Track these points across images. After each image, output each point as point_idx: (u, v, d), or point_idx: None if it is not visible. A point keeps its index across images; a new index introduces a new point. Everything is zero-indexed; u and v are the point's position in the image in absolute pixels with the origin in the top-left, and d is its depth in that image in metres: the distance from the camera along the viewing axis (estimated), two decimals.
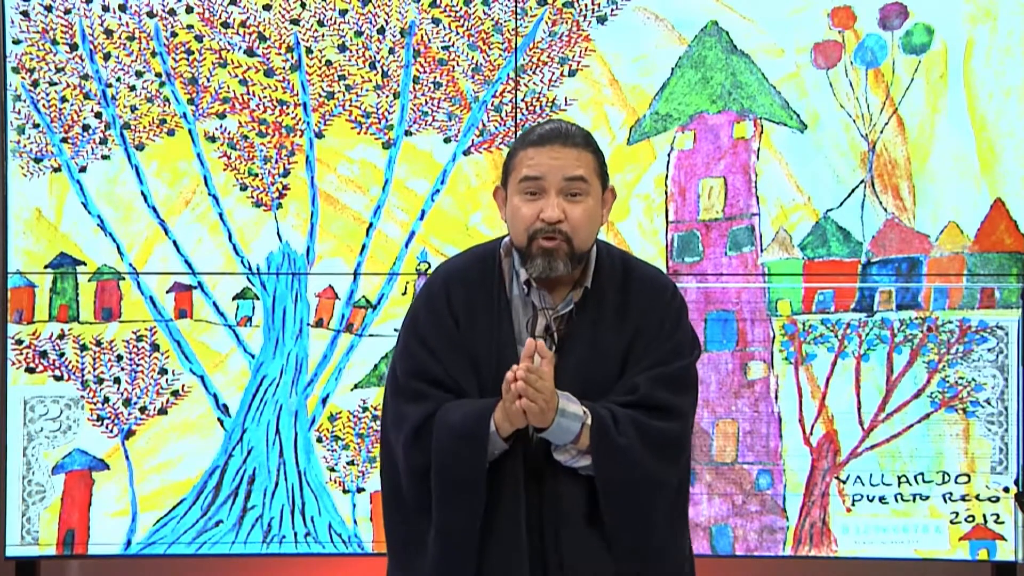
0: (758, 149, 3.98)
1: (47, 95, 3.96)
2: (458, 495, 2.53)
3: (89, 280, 3.98)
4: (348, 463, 4.00)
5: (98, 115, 3.97)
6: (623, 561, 2.55)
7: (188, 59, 3.97)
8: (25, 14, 3.95)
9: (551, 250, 2.52)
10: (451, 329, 2.60)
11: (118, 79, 3.97)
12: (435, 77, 3.98)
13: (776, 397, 3.98)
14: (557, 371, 2.56)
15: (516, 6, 3.97)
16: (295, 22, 3.97)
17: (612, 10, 3.97)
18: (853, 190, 3.97)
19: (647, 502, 2.56)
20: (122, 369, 3.98)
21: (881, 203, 3.97)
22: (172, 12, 3.96)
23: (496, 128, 3.97)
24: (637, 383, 2.57)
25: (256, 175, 3.99)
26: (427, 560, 2.58)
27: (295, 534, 4.00)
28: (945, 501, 3.98)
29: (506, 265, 2.64)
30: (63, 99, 3.96)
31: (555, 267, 2.53)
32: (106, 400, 3.98)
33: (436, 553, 2.56)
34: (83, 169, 3.98)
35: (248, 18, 3.97)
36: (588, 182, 2.55)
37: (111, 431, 3.98)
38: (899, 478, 3.98)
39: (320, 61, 3.98)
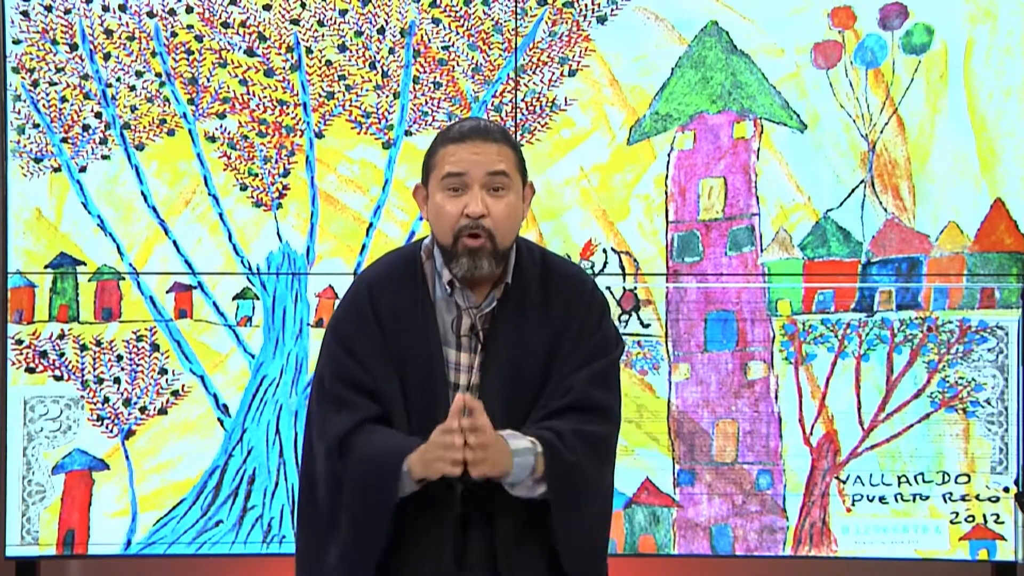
0: (758, 149, 3.97)
1: (47, 95, 3.96)
2: (364, 524, 2.54)
3: (89, 280, 3.98)
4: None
5: (98, 115, 3.97)
6: (573, 567, 2.57)
7: (188, 59, 3.97)
8: (25, 14, 3.95)
9: (476, 249, 2.53)
10: (376, 335, 2.59)
11: (118, 79, 3.97)
12: (435, 77, 3.98)
13: (776, 397, 3.98)
14: (484, 369, 2.58)
15: (516, 6, 3.97)
16: (295, 22, 3.97)
17: (612, 10, 3.97)
18: (853, 190, 3.97)
19: (589, 507, 2.59)
20: (122, 369, 3.98)
21: (881, 203, 3.97)
22: (172, 12, 3.96)
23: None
24: (571, 384, 2.58)
25: (256, 175, 3.99)
26: (327, 564, 2.59)
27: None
28: (945, 501, 3.98)
29: (428, 268, 2.64)
30: (63, 99, 3.96)
31: (480, 265, 2.53)
32: (106, 400, 3.98)
33: (338, 562, 2.57)
34: (83, 169, 3.98)
35: (248, 18, 3.97)
36: (510, 176, 2.56)
37: (111, 431, 3.98)
38: (899, 478, 3.98)
39: (320, 61, 3.98)
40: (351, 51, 3.98)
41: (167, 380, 3.99)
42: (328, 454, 2.59)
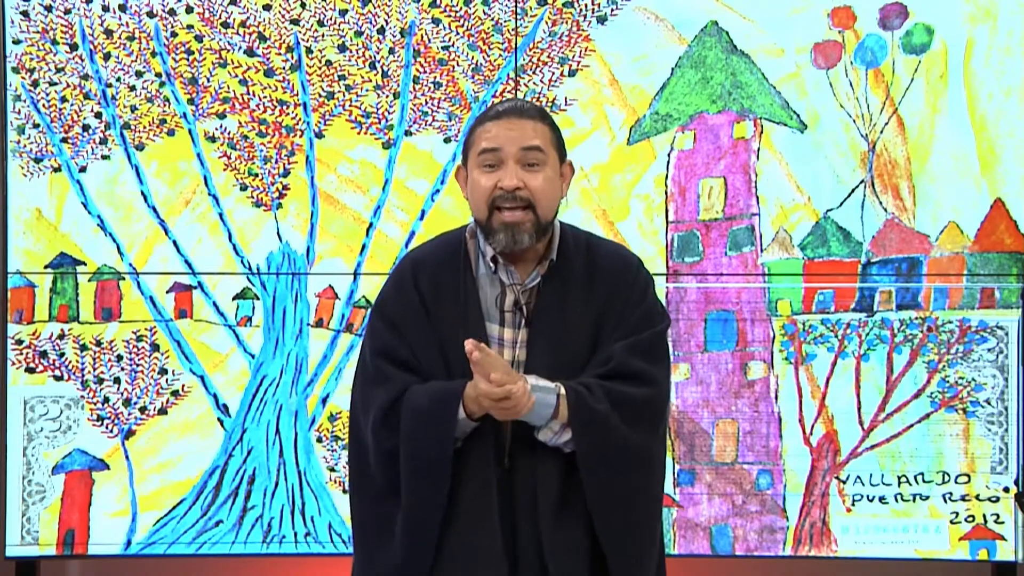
0: (758, 149, 3.98)
1: (47, 95, 3.96)
2: (423, 479, 2.55)
3: (89, 280, 3.98)
4: (348, 463, 3.99)
5: (98, 115, 3.97)
6: (605, 538, 2.54)
7: (188, 59, 3.97)
8: (25, 14, 3.95)
9: (515, 224, 2.54)
10: (418, 311, 2.62)
11: (118, 79, 3.97)
12: (435, 77, 3.98)
13: (776, 397, 3.98)
14: (528, 345, 2.59)
15: (516, 6, 3.97)
16: (295, 22, 3.97)
17: (612, 10, 3.97)
18: (853, 190, 3.97)
19: (626, 472, 2.56)
20: (122, 369, 3.98)
21: (881, 203, 3.97)
22: (172, 12, 3.96)
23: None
24: (611, 353, 2.58)
25: (256, 175, 3.99)
26: (394, 543, 2.59)
27: (295, 534, 4.00)
28: (945, 501, 3.98)
29: (471, 246, 2.66)
30: (63, 99, 3.96)
31: (520, 240, 2.55)
32: (106, 400, 3.98)
33: (402, 536, 2.58)
34: (83, 169, 3.98)
35: (248, 18, 3.97)
36: (544, 152, 2.57)
37: (111, 431, 3.98)
38: (899, 478, 3.98)
39: (320, 61, 3.98)
40: (351, 51, 3.98)
41: (167, 380, 3.99)
42: (374, 427, 2.60)
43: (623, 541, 2.57)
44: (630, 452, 2.56)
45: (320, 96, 3.98)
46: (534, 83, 3.97)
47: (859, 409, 3.99)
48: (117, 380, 3.98)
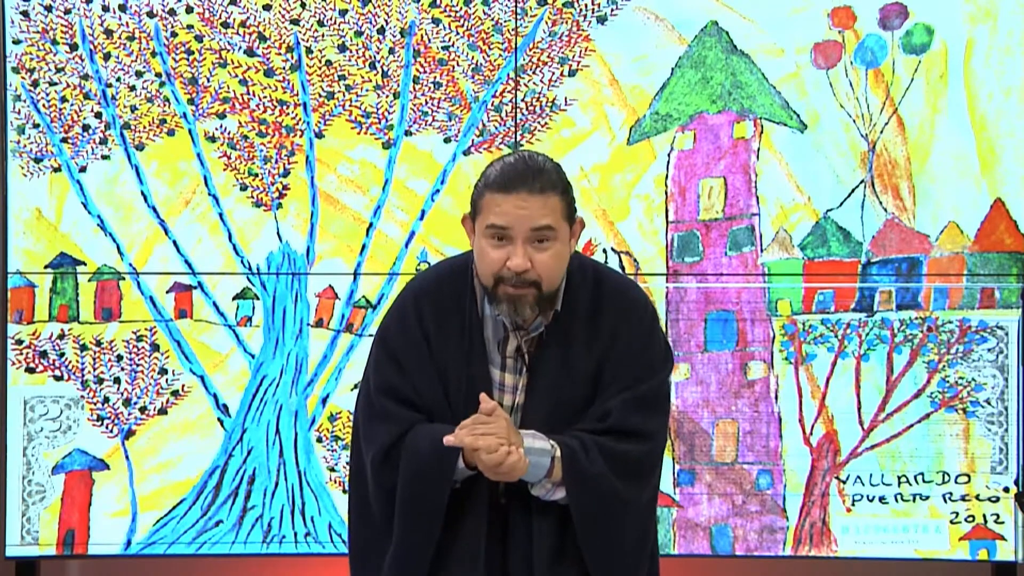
0: (758, 149, 3.97)
1: (47, 95, 3.96)
2: (417, 521, 2.54)
3: (89, 280, 3.98)
4: (348, 463, 3.99)
5: (98, 115, 3.97)
6: None
7: (188, 59, 3.97)
8: (25, 14, 3.95)
9: (518, 297, 2.50)
10: (421, 346, 2.58)
11: (118, 79, 3.97)
12: (435, 77, 3.98)
13: (776, 397, 3.98)
14: (528, 391, 2.57)
15: (516, 6, 3.97)
16: (295, 22, 3.97)
17: (612, 10, 3.97)
18: (853, 190, 3.97)
19: (619, 524, 2.57)
20: (122, 369, 3.98)
21: (881, 203, 3.97)
22: (172, 12, 3.96)
23: (496, 128, 3.97)
24: (609, 409, 2.56)
25: (256, 175, 3.99)
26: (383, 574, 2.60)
27: (295, 534, 4.00)
28: (945, 501, 3.98)
29: (477, 284, 2.61)
30: (63, 99, 3.96)
31: (522, 312, 2.51)
32: (106, 400, 3.98)
33: (390, 571, 2.58)
34: (83, 169, 3.98)
35: (248, 18, 3.97)
36: (555, 229, 2.50)
37: (111, 431, 3.98)
38: (899, 478, 3.98)
39: (320, 61, 3.98)
40: (351, 51, 3.98)
41: (167, 380, 3.99)
42: (374, 464, 2.60)
43: None
44: (624, 507, 2.57)
45: (320, 96, 3.98)
46: (534, 83, 3.97)
47: (859, 409, 3.99)
48: (117, 380, 3.98)
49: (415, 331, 2.59)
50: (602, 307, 2.60)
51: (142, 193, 3.99)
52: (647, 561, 2.66)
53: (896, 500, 3.99)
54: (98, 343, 3.97)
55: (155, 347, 3.98)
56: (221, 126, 3.98)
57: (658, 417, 2.63)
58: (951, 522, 3.98)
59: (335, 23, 3.97)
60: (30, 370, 3.97)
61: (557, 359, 2.58)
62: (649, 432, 2.59)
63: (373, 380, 2.64)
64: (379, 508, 2.62)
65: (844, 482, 3.98)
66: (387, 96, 3.98)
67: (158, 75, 3.97)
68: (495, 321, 2.59)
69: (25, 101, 3.96)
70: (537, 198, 2.47)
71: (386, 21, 3.97)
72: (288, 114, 3.98)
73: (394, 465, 2.56)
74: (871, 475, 3.99)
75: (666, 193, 3.99)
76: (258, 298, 4.00)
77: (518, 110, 3.96)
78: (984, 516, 3.97)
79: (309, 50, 3.97)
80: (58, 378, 3.97)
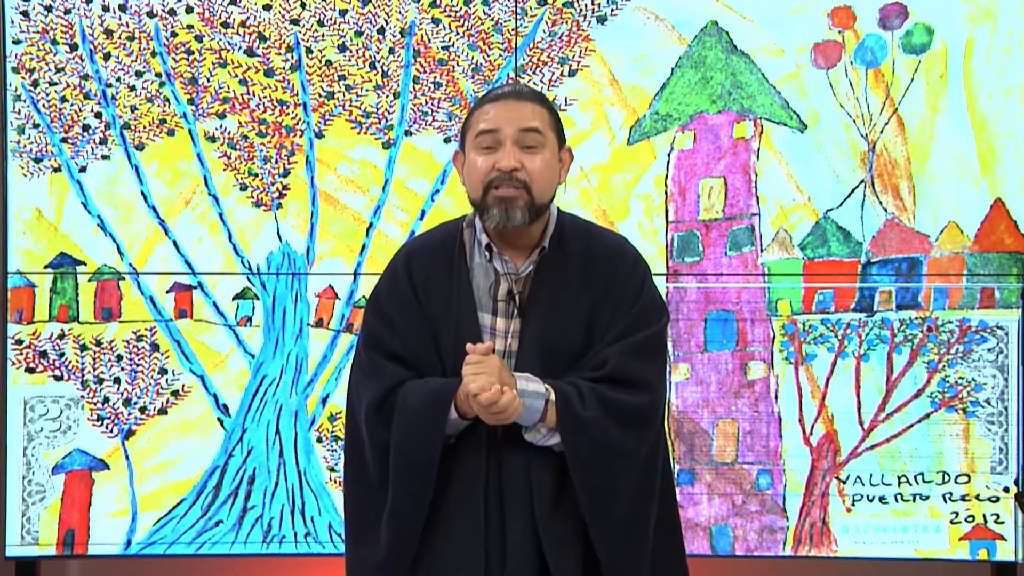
0: (758, 149, 3.98)
1: (47, 95, 3.96)
2: (412, 477, 2.55)
3: (89, 280, 3.98)
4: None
5: (98, 115, 3.97)
6: (596, 535, 2.54)
7: (188, 59, 3.97)
8: (25, 14, 3.95)
9: (509, 199, 2.53)
10: (410, 302, 2.62)
11: (118, 79, 3.97)
12: (435, 77, 3.98)
13: (776, 397, 3.98)
14: (521, 335, 2.58)
15: (516, 6, 3.97)
16: (295, 22, 3.97)
17: (612, 10, 3.97)
18: (853, 190, 3.97)
19: (613, 473, 2.55)
20: (122, 369, 3.98)
21: (881, 203, 3.97)
22: (172, 12, 3.96)
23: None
24: (606, 357, 2.57)
25: (256, 175, 3.99)
26: (379, 537, 2.60)
27: (295, 534, 4.00)
28: (945, 501, 3.98)
29: (467, 235, 2.65)
30: (63, 99, 3.96)
31: (512, 216, 2.54)
32: (106, 400, 3.98)
33: (386, 530, 2.59)
34: (83, 169, 3.98)
35: (248, 18, 3.97)
36: (543, 134, 2.57)
37: (111, 431, 3.99)
38: (899, 478, 3.98)
39: (320, 61, 3.98)
40: (351, 51, 3.98)
41: (167, 380, 3.99)
42: (366, 419, 2.61)
43: (613, 539, 2.57)
44: (620, 456, 2.56)
45: (320, 96, 3.98)
46: (534, 83, 3.97)
47: (859, 409, 3.99)
48: (117, 380, 3.98)
49: (405, 288, 2.63)
50: (594, 256, 2.62)
51: (142, 193, 3.99)
52: (647, 528, 2.62)
53: (896, 500, 3.99)
54: (98, 343, 3.97)
55: (155, 347, 3.98)
56: (221, 126, 3.98)
57: (656, 367, 2.63)
58: (951, 522, 3.98)
59: (335, 23, 3.97)
60: (30, 370, 3.97)
61: (549, 300, 2.58)
62: (647, 382, 2.59)
63: (363, 339, 2.67)
64: (375, 469, 2.62)
65: (844, 482, 3.98)
66: (387, 96, 3.98)
67: (158, 75, 3.97)
68: (486, 268, 2.62)
69: (25, 101, 3.96)
70: (526, 104, 2.58)
71: (386, 21, 3.97)
72: (288, 114, 3.98)
73: (385, 420, 2.58)
74: (871, 475, 3.99)
75: (666, 193, 3.99)
76: (258, 298, 4.00)
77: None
78: (984, 516, 3.97)
79: (309, 50, 3.97)
80: (58, 378, 3.98)
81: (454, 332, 2.57)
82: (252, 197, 4.00)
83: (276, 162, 3.99)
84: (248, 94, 3.98)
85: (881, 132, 3.96)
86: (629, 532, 2.59)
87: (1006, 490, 3.97)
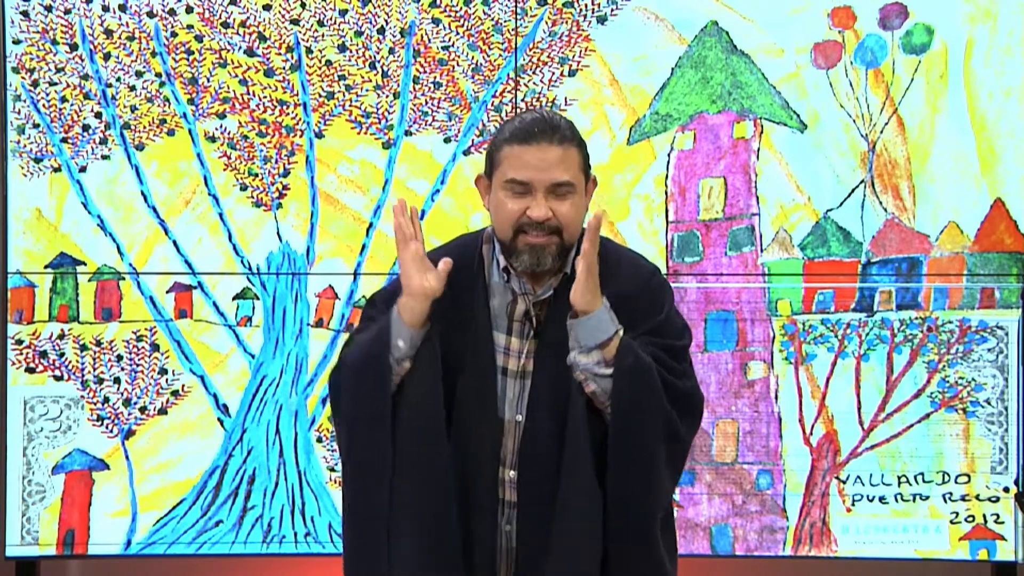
0: (758, 149, 3.98)
1: (47, 95, 3.96)
2: (366, 428, 2.53)
3: (89, 280, 3.98)
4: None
5: (98, 115, 3.97)
6: (613, 499, 2.50)
7: (188, 59, 3.97)
8: (25, 14, 3.95)
9: (540, 246, 2.51)
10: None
11: (118, 79, 3.97)
12: (435, 77, 3.98)
13: (776, 397, 3.98)
14: (536, 356, 2.57)
15: (516, 6, 3.97)
16: (295, 22, 3.97)
17: (612, 10, 3.97)
18: (853, 190, 3.97)
19: (650, 433, 2.51)
20: (122, 369, 3.98)
21: (881, 203, 3.97)
22: (172, 12, 3.96)
23: (496, 128, 3.97)
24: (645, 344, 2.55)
25: (256, 175, 3.99)
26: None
27: (295, 534, 4.00)
28: (945, 501, 3.98)
29: (486, 251, 2.63)
30: (63, 99, 3.96)
31: (544, 261, 2.52)
32: (106, 400, 3.98)
33: (354, 473, 2.58)
34: (83, 169, 3.98)
35: (248, 18, 3.97)
36: (575, 184, 2.53)
37: (111, 431, 3.98)
38: (899, 478, 3.98)
39: (320, 61, 3.98)
40: (351, 51, 3.98)
41: (167, 380, 3.99)
42: (343, 381, 2.62)
43: (631, 507, 2.52)
44: (662, 418, 2.51)
45: (320, 96, 3.98)
46: (534, 83, 3.97)
47: (859, 409, 3.99)
48: (117, 380, 3.98)
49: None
50: (610, 275, 2.58)
51: (142, 193, 3.99)
52: (662, 507, 2.60)
53: (896, 500, 3.99)
54: (98, 343, 3.97)
55: (155, 347, 3.98)
56: (221, 126, 3.98)
57: (691, 373, 2.62)
58: (951, 522, 3.98)
59: (335, 23, 3.97)
60: (30, 370, 3.97)
61: (565, 323, 2.55)
62: (689, 375, 2.59)
63: (357, 328, 2.68)
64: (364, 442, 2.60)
65: (844, 482, 3.98)
66: (387, 96, 3.98)
67: (158, 75, 3.97)
68: (503, 288, 2.60)
69: (25, 101, 3.96)
70: (557, 149, 2.50)
71: (386, 21, 3.97)
72: (288, 114, 3.98)
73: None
74: (871, 475, 3.99)
75: (666, 193, 3.99)
76: (258, 298, 4.00)
77: (518, 110, 3.96)
78: (984, 516, 3.97)
79: (309, 50, 3.97)
80: (58, 378, 3.98)
81: (468, 349, 2.56)
82: (252, 197, 4.00)
83: (276, 162, 3.99)
84: (248, 94, 3.98)
85: (881, 132, 3.96)
86: (648, 502, 2.54)
87: (1006, 490, 3.97)
